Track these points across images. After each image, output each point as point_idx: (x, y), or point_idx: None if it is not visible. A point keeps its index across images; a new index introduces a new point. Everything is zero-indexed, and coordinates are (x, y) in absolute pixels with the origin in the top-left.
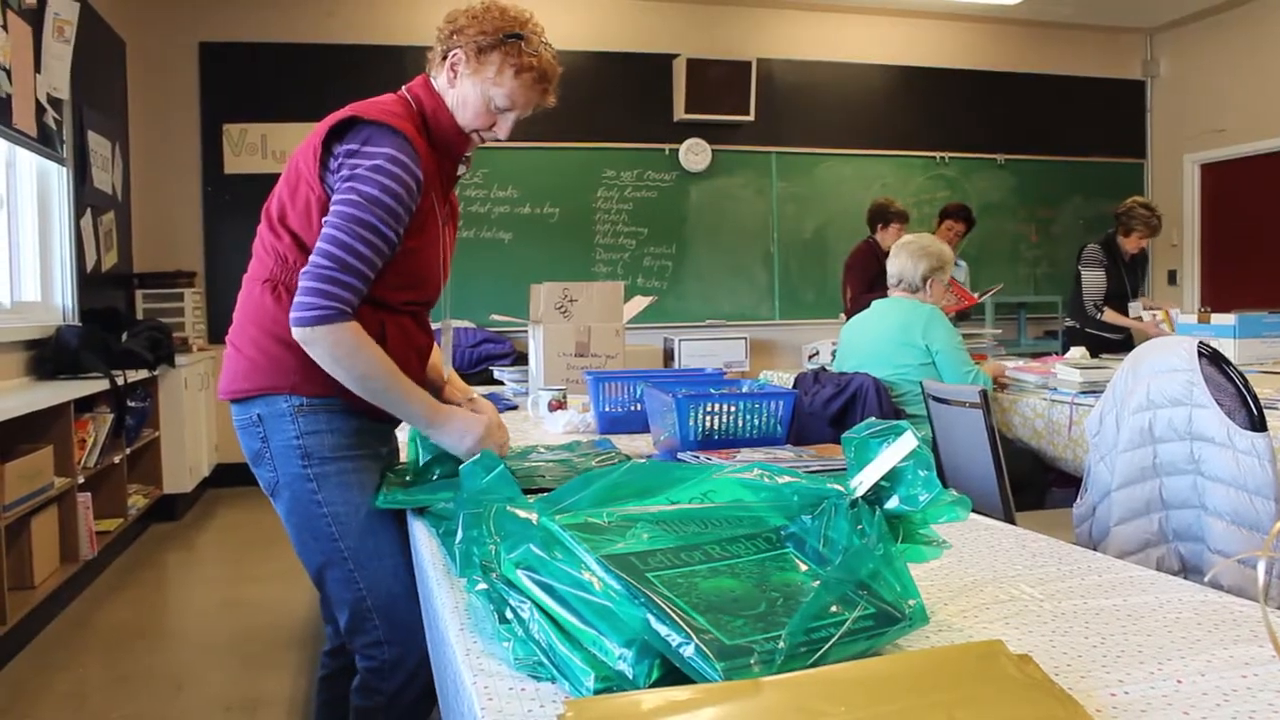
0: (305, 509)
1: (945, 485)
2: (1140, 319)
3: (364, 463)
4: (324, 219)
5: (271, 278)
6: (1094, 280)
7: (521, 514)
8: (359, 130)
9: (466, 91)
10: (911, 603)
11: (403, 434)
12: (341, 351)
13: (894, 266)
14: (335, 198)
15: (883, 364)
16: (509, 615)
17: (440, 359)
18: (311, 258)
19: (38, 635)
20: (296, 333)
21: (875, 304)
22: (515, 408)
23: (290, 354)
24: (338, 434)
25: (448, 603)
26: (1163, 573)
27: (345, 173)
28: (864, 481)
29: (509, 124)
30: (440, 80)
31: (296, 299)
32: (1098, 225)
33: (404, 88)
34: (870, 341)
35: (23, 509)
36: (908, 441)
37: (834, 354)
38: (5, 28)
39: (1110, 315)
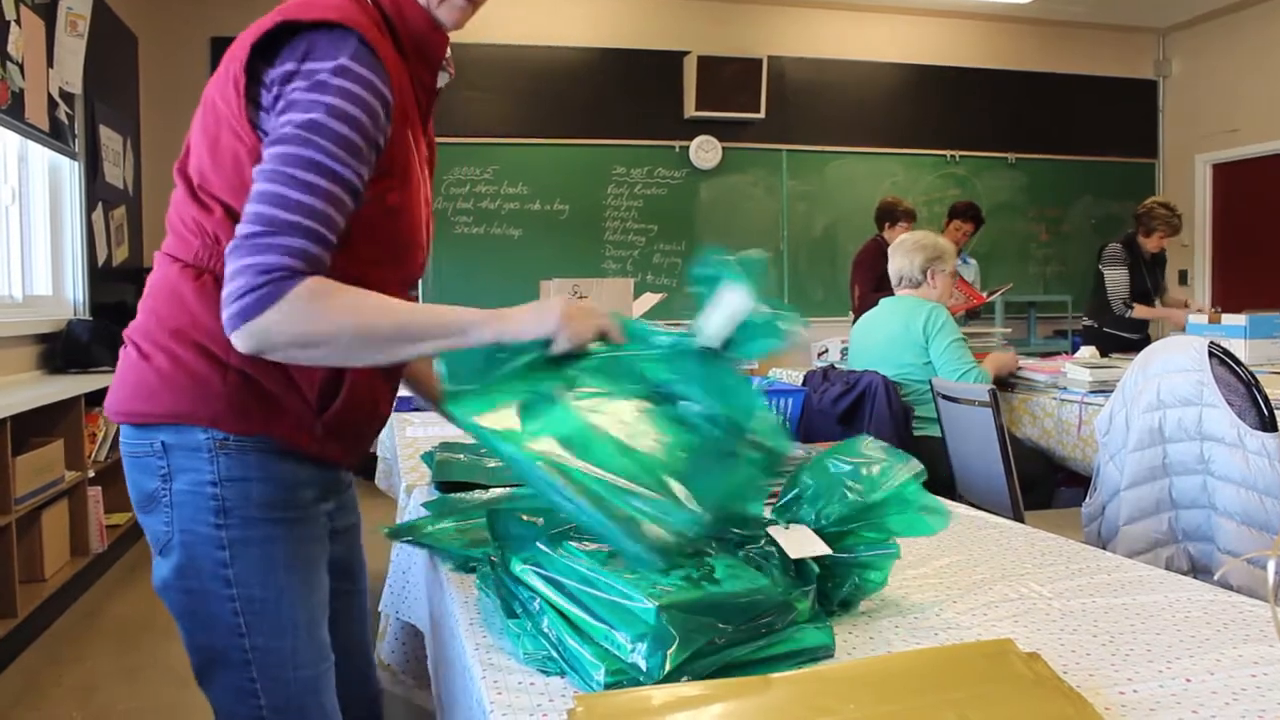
0: (204, 583)
1: (955, 487)
2: (1178, 303)
3: (299, 529)
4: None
5: (196, 261)
6: (1119, 278)
7: (525, 518)
8: (294, 43)
9: None
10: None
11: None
12: (303, 322)
13: (893, 266)
14: (268, 139)
15: (890, 362)
16: (518, 611)
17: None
18: (239, 225)
19: (48, 628)
20: (238, 341)
21: (883, 302)
22: None
23: (213, 370)
24: (271, 485)
25: (456, 597)
26: (1172, 572)
27: (281, 104)
28: (711, 330)
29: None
30: None
31: (224, 291)
32: (1108, 225)
33: None
34: (878, 340)
35: (34, 502)
36: (741, 298)
37: (842, 352)
38: (19, 22)
39: (1141, 310)
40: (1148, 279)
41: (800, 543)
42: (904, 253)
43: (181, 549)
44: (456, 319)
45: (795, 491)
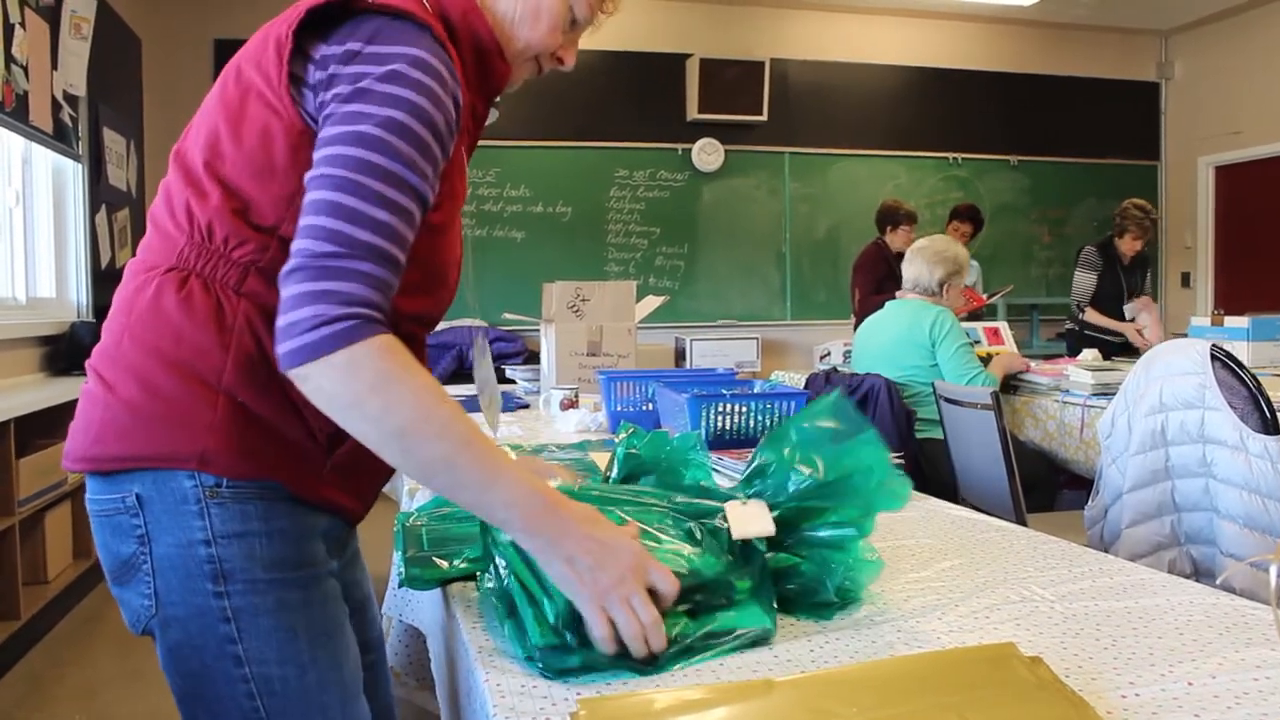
0: (207, 664)
1: (958, 490)
2: (1134, 320)
3: (316, 589)
4: (307, 176)
5: (181, 263)
6: (1081, 281)
7: None
8: (361, 20)
9: None
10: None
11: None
12: (364, 384)
13: (909, 271)
14: (329, 131)
15: (894, 365)
16: (489, 581)
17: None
18: (298, 241)
19: (51, 630)
20: (301, 379)
21: (889, 305)
22: (527, 406)
23: (201, 397)
24: (278, 539)
25: (459, 600)
26: (1174, 575)
27: (343, 89)
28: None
29: (575, 46)
30: None
31: (283, 320)
32: (1110, 227)
33: None
34: (882, 343)
35: (37, 504)
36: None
37: (845, 355)
38: (23, 25)
39: (1091, 315)
40: (1123, 281)
41: (747, 521)
42: (924, 261)
43: (174, 627)
44: (505, 496)
45: (758, 462)
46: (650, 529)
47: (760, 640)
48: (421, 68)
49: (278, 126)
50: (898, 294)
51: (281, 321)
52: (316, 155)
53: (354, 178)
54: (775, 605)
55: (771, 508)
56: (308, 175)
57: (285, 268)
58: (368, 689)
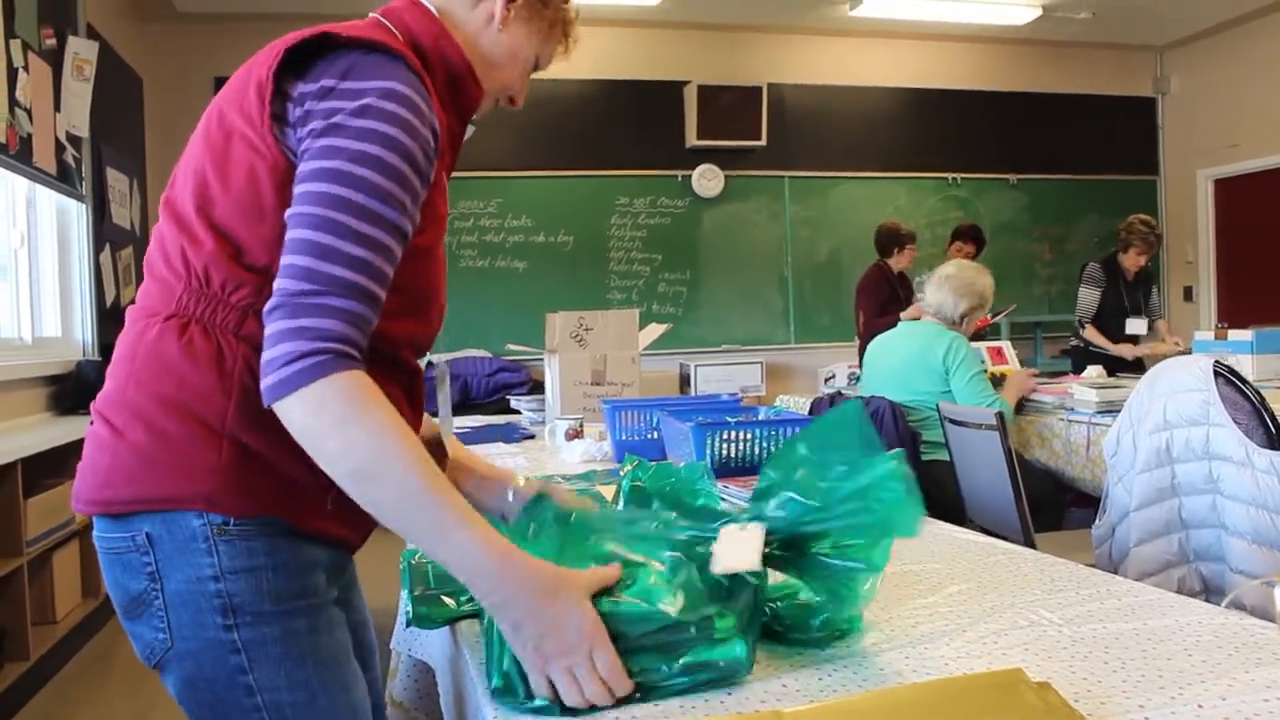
0: (223, 694)
1: (965, 512)
2: (1135, 340)
3: (320, 617)
4: (287, 213)
5: (180, 310)
6: (1085, 298)
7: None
8: (332, 59)
9: (520, 43)
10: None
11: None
12: (327, 420)
13: (934, 297)
14: (305, 168)
15: (904, 388)
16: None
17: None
18: (278, 281)
19: (60, 670)
20: (282, 411)
21: (902, 325)
22: (532, 436)
23: (205, 441)
24: (285, 572)
25: (467, 635)
26: (1184, 593)
27: (318, 124)
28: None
29: (526, 88)
30: (455, 5)
31: (264, 356)
32: (1112, 243)
33: (374, 13)
34: (893, 364)
35: (45, 544)
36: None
37: (849, 377)
38: (27, 68)
39: (1090, 333)
40: (1125, 298)
41: (734, 554)
42: (950, 290)
43: (188, 660)
44: (454, 554)
45: (765, 481)
46: (635, 559)
47: (729, 676)
48: (395, 99)
49: (263, 167)
50: (920, 316)
51: (263, 359)
52: (295, 192)
53: (328, 215)
54: (756, 641)
55: (771, 533)
56: (287, 213)
57: (267, 306)
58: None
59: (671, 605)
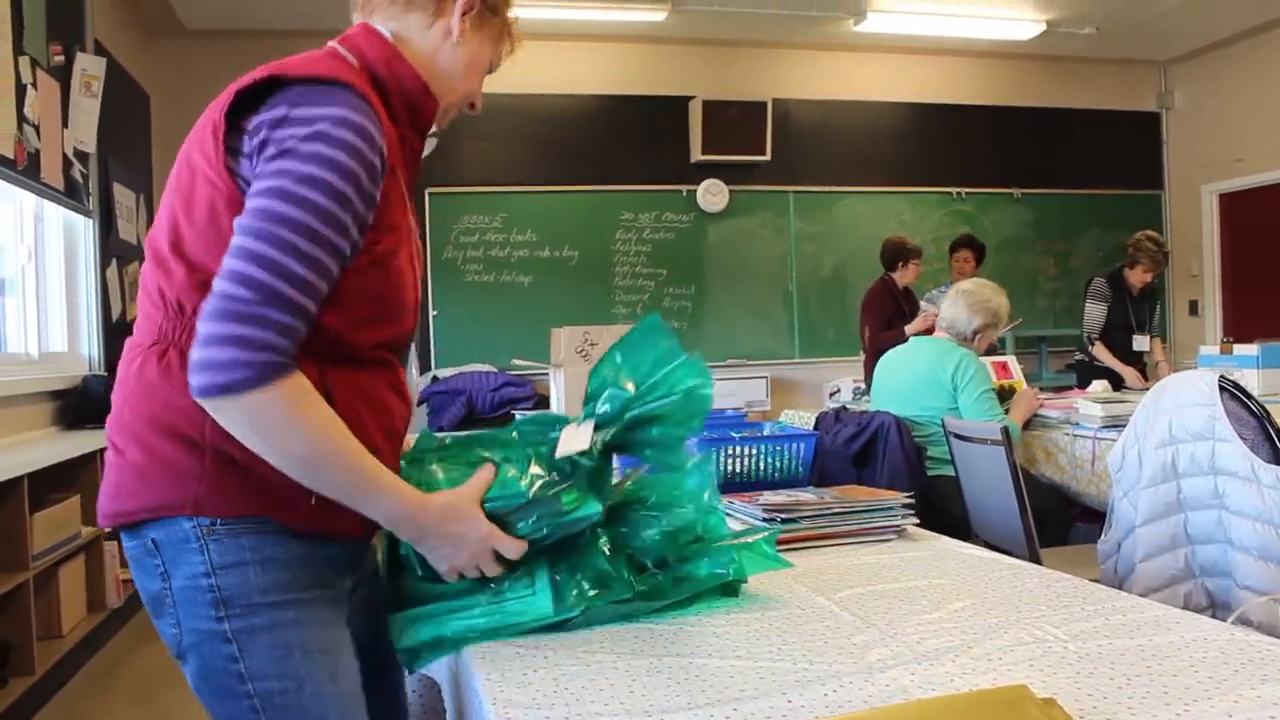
0: (222, 683)
1: (970, 527)
2: (1142, 358)
3: (312, 610)
4: (235, 220)
5: (161, 339)
6: (1092, 313)
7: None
8: (284, 92)
9: (476, 51)
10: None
11: None
12: (270, 422)
13: (948, 312)
14: (256, 186)
15: (911, 402)
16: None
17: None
18: (217, 282)
19: (66, 685)
20: (212, 408)
21: (912, 340)
22: None
23: (189, 453)
24: (271, 567)
25: (474, 652)
26: (1190, 609)
27: (271, 149)
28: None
29: (481, 91)
30: (410, 27)
31: (194, 353)
32: (1116, 257)
33: (332, 42)
34: (902, 379)
35: (51, 559)
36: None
37: (855, 392)
38: (35, 85)
39: (1099, 350)
40: (1131, 314)
41: (570, 442)
42: (965, 306)
43: (193, 653)
44: (388, 504)
45: (596, 383)
46: (497, 459)
47: (586, 519)
48: (344, 125)
49: (220, 200)
50: (925, 328)
51: (197, 355)
52: (246, 206)
53: (270, 229)
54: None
55: (606, 424)
56: (235, 220)
57: (205, 305)
58: (386, 706)
59: (530, 487)
